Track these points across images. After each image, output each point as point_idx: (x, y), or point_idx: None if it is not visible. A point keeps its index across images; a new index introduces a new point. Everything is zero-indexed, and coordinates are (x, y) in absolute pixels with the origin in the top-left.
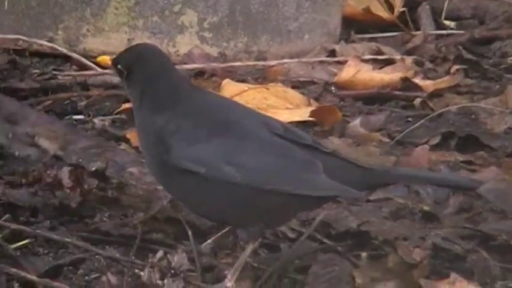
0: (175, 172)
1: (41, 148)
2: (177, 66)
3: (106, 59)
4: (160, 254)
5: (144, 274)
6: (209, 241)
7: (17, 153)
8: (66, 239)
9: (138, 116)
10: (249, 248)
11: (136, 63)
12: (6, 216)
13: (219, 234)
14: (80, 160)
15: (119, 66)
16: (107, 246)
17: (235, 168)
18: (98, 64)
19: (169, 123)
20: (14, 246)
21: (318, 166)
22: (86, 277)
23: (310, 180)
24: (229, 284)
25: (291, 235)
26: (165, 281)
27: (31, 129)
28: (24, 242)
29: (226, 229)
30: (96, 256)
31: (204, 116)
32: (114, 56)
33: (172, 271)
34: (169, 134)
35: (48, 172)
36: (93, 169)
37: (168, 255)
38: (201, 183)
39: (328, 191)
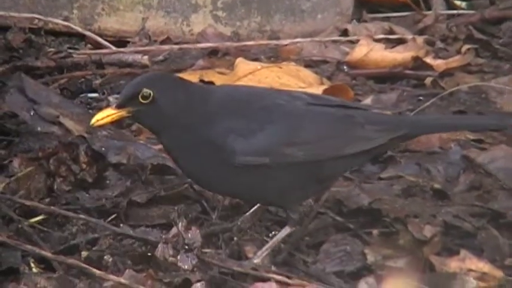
0: (237, 171)
1: (63, 127)
2: (191, 45)
3: None
4: (174, 230)
5: (157, 250)
6: (245, 216)
7: (39, 129)
8: (81, 216)
9: (169, 135)
10: (285, 232)
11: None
12: (21, 192)
13: (252, 210)
14: (103, 149)
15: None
16: (121, 224)
17: (297, 148)
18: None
19: (220, 128)
20: (28, 222)
21: (361, 120)
22: (100, 253)
23: (362, 136)
24: (256, 261)
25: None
26: (179, 257)
27: (54, 109)
28: (39, 218)
29: (257, 206)
30: (109, 234)
31: (244, 109)
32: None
33: (186, 247)
34: (225, 136)
35: (66, 148)
36: (114, 162)
37: (182, 232)
38: (265, 173)
39: (380, 140)
